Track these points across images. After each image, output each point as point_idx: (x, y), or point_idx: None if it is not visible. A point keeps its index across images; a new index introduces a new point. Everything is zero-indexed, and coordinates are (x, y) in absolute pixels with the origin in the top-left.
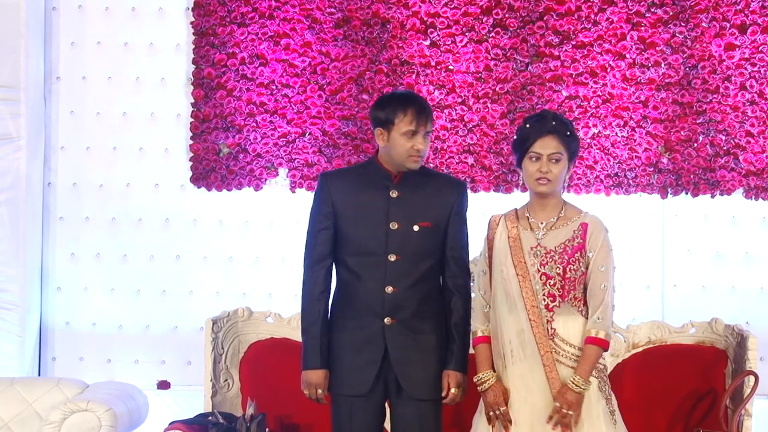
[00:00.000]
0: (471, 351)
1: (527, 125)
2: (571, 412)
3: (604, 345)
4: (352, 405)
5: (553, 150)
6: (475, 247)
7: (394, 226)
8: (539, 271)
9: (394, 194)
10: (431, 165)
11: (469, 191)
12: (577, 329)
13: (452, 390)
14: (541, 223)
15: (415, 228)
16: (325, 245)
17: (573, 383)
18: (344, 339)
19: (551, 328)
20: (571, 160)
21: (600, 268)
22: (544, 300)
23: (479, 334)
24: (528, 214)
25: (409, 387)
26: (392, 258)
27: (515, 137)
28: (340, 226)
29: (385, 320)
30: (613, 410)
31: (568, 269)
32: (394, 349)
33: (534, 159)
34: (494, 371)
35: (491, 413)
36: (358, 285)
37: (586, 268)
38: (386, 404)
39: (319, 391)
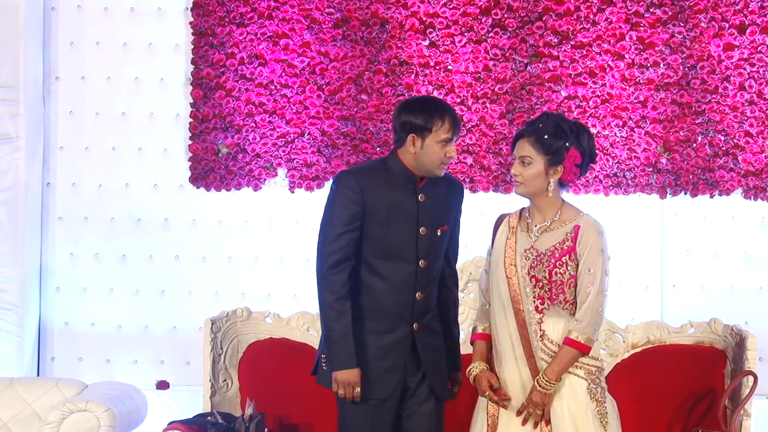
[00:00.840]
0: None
1: None
2: (538, 412)
3: (581, 348)
4: (372, 408)
5: (523, 153)
6: (475, 247)
7: (423, 230)
8: (529, 273)
9: (421, 198)
10: None
11: (468, 191)
12: (565, 332)
13: (454, 389)
14: (536, 225)
15: (438, 232)
16: (350, 247)
17: (537, 383)
18: (368, 343)
19: (540, 330)
20: (555, 164)
21: (587, 270)
22: (534, 302)
23: (479, 330)
24: (528, 215)
25: (437, 388)
26: (422, 264)
27: None
28: (368, 228)
29: (414, 326)
30: (606, 412)
31: (553, 272)
32: (425, 353)
33: (513, 161)
34: (484, 363)
35: (489, 401)
36: (386, 289)
37: (576, 271)
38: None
39: (357, 389)
